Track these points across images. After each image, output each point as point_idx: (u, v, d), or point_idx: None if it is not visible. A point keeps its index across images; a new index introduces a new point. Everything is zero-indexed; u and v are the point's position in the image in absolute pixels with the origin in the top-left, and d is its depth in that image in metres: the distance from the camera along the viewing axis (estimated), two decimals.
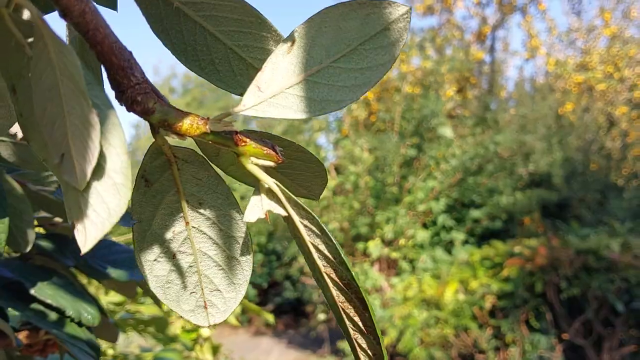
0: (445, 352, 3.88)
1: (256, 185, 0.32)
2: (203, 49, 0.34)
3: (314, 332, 5.58)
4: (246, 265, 0.36)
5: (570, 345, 3.70)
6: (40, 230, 0.70)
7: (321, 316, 5.28)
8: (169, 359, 1.32)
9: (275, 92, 0.30)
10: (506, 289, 3.86)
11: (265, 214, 0.32)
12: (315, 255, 0.32)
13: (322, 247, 0.32)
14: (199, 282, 0.35)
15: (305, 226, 0.32)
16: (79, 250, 0.68)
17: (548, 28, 6.80)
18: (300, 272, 5.79)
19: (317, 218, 0.31)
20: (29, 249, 0.56)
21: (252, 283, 6.27)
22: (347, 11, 0.30)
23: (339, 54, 0.30)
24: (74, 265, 0.66)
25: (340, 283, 0.32)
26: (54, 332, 0.60)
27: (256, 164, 0.31)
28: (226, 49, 0.34)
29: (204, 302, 0.35)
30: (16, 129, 0.54)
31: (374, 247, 4.73)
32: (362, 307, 0.31)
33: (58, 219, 0.69)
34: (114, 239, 0.76)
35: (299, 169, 0.36)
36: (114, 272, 0.67)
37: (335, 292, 0.32)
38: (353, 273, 0.31)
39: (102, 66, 0.29)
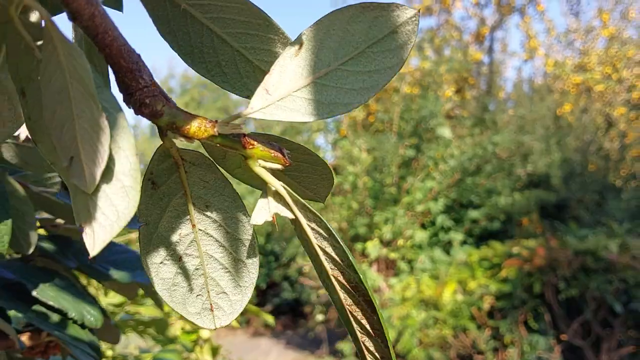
0: (444, 353, 3.88)
1: (263, 188, 0.32)
2: (210, 51, 0.34)
3: (312, 332, 5.58)
4: (252, 268, 0.36)
5: (569, 346, 3.70)
6: (42, 231, 0.70)
7: (319, 317, 5.28)
8: None
9: (283, 94, 0.30)
10: (504, 290, 3.87)
11: (273, 217, 0.32)
12: (323, 257, 0.32)
13: (329, 249, 0.32)
14: (205, 284, 0.35)
15: (313, 229, 0.32)
16: (81, 252, 0.68)
17: (546, 29, 6.82)
18: (298, 272, 5.79)
19: (324, 221, 0.31)
20: (31, 250, 0.56)
21: None
22: (355, 14, 0.30)
23: (347, 57, 0.30)
24: (75, 267, 0.66)
25: (347, 286, 0.32)
26: (56, 334, 0.60)
27: (263, 167, 0.31)
28: (233, 51, 0.34)
29: (210, 304, 0.35)
30: (18, 130, 0.54)
31: (373, 248, 4.73)
32: (370, 309, 0.31)
33: (60, 221, 0.69)
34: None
35: (305, 171, 0.36)
36: (116, 274, 0.67)
37: (342, 294, 0.32)
38: (361, 276, 0.31)
39: (109, 68, 0.29)
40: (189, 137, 0.29)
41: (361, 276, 0.31)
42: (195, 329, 1.66)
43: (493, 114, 5.66)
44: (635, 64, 5.85)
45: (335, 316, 5.07)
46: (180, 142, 0.31)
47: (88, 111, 0.25)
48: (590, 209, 4.79)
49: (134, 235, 1.70)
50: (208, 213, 0.34)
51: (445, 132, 4.91)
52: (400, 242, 4.79)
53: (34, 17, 0.28)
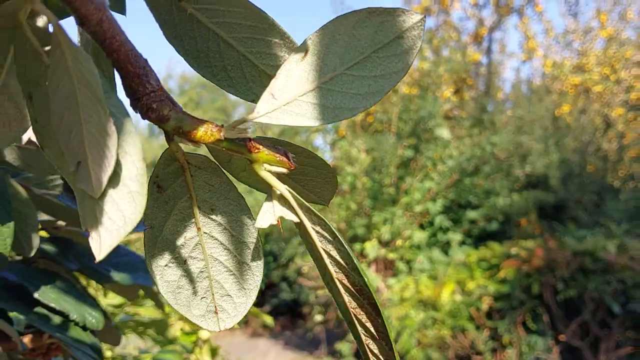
0: (443, 354, 3.89)
1: (268, 192, 0.32)
2: (216, 55, 0.34)
3: (310, 333, 5.58)
4: (257, 271, 0.36)
5: (567, 346, 3.71)
6: (44, 233, 0.70)
7: (318, 317, 5.28)
8: None
9: (289, 99, 0.30)
10: (503, 291, 3.87)
11: (278, 220, 0.32)
12: (327, 261, 0.32)
13: (333, 252, 0.32)
14: (210, 287, 0.35)
15: (317, 232, 0.32)
16: (82, 254, 0.68)
17: (545, 30, 6.83)
18: (297, 273, 5.78)
19: (329, 224, 0.31)
20: (33, 253, 0.56)
21: None
22: (361, 19, 0.30)
23: (353, 62, 0.30)
24: (77, 269, 0.66)
25: (352, 289, 0.32)
26: (58, 336, 0.60)
27: (269, 171, 0.32)
28: (239, 56, 0.34)
29: (215, 307, 0.36)
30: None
31: (371, 248, 4.73)
32: (374, 312, 0.32)
33: (61, 223, 0.69)
34: None
35: (310, 175, 0.36)
36: (117, 276, 0.67)
37: (347, 297, 0.32)
38: (365, 279, 0.31)
39: (115, 73, 0.29)
40: (195, 142, 0.29)
41: (366, 279, 0.31)
42: (195, 329, 1.66)
43: (491, 115, 5.67)
44: (633, 64, 5.87)
45: (334, 317, 5.07)
46: (185, 146, 0.32)
47: (95, 116, 0.25)
48: (589, 210, 4.80)
49: (134, 235, 1.70)
50: (213, 216, 0.34)
51: (444, 132, 4.91)
52: (399, 242, 4.79)
53: (41, 21, 0.28)
